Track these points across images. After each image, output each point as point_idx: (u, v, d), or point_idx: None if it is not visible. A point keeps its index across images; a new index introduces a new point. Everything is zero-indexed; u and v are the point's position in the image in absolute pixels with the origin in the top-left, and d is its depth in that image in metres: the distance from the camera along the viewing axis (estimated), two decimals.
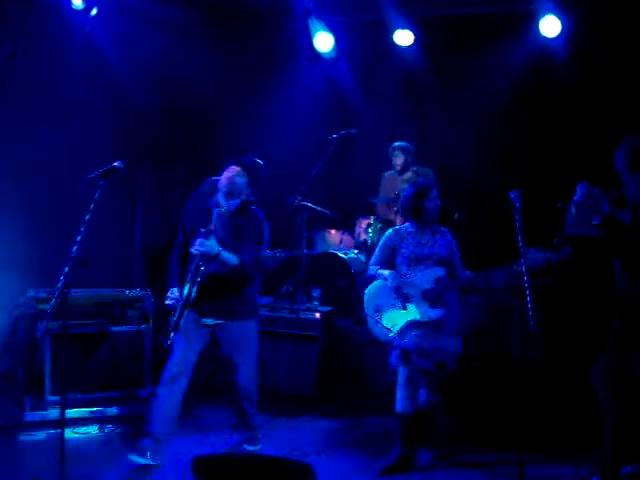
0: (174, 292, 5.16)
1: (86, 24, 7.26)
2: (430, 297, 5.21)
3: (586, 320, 5.80)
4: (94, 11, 7.21)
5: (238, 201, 5.18)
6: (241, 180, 5.17)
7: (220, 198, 5.21)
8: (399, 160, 7.66)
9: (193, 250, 4.93)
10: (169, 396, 5.13)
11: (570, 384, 5.68)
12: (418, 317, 5.20)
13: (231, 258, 4.99)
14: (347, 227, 8.01)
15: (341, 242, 7.96)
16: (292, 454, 5.32)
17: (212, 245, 4.91)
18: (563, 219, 6.13)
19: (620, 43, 7.35)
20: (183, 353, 5.15)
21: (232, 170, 5.18)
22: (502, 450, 5.42)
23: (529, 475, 4.37)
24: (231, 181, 5.15)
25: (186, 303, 5.00)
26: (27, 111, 6.89)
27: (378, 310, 5.35)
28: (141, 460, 5.03)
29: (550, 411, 5.75)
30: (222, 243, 5.01)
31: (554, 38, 7.54)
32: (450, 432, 5.75)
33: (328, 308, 6.89)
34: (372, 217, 7.69)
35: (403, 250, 5.33)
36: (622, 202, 4.64)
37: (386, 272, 5.35)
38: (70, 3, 7.07)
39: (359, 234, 7.76)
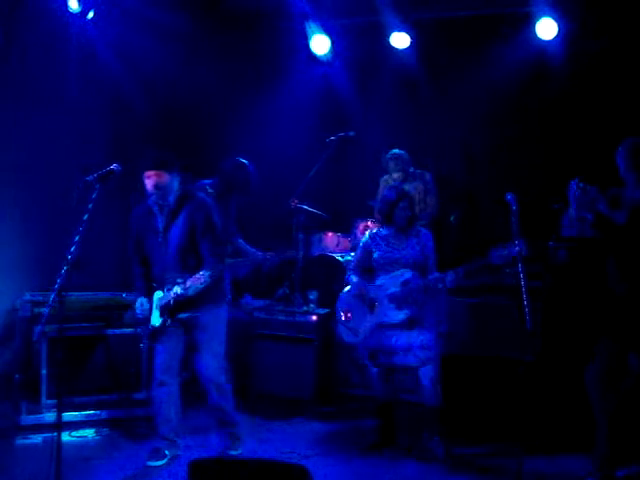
0: (144, 304, 5.17)
1: (82, 27, 7.25)
2: (396, 300, 5.38)
3: (582, 321, 5.80)
4: (90, 14, 7.21)
5: (176, 193, 5.10)
6: (161, 179, 5.01)
7: (158, 200, 5.12)
8: (397, 174, 7.48)
9: (170, 301, 4.93)
10: (165, 396, 5.22)
11: (567, 385, 5.68)
12: (384, 319, 5.41)
13: (203, 283, 4.90)
14: (344, 230, 8.00)
15: (338, 245, 7.95)
16: (288, 457, 5.32)
17: (192, 290, 4.88)
18: (559, 220, 6.16)
19: (616, 46, 7.36)
20: (166, 355, 5.20)
21: (149, 176, 5.03)
22: (499, 450, 5.47)
23: (526, 474, 4.40)
24: (156, 186, 5.02)
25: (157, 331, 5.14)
26: (23, 113, 6.88)
27: (347, 315, 5.61)
28: (160, 462, 5.14)
29: (547, 411, 5.75)
30: (181, 251, 5.03)
31: (550, 41, 7.55)
32: (448, 431, 5.76)
33: (324, 311, 6.88)
34: (370, 219, 7.67)
35: (374, 254, 5.55)
36: (618, 202, 4.65)
37: (354, 279, 5.60)
38: (66, 6, 7.07)
39: (356, 236, 7.74)
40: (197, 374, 5.21)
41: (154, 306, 5.13)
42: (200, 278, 4.83)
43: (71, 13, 7.15)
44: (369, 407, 5.94)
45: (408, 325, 5.36)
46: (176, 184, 5.09)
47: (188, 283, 4.83)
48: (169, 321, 5.03)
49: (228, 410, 5.30)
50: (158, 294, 5.12)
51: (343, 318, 5.63)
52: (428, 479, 5.13)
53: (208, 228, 5.04)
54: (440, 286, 5.30)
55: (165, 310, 5.02)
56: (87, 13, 7.23)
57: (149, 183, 5.02)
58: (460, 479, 5.12)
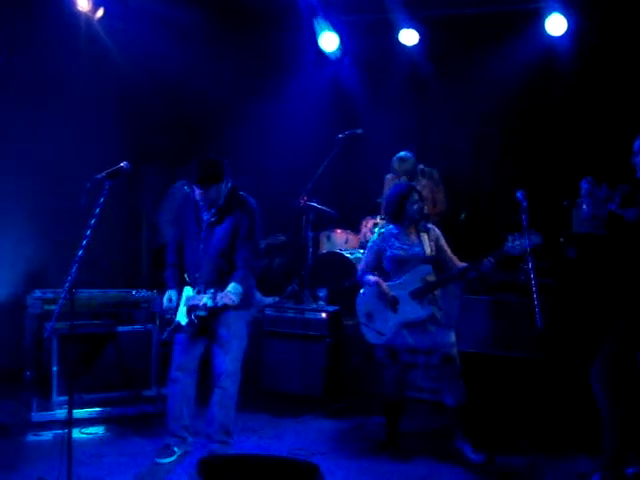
0: (172, 299, 5.13)
1: (91, 25, 7.28)
2: (419, 296, 5.33)
3: (591, 318, 5.79)
4: (100, 12, 7.23)
5: (225, 191, 5.05)
6: (210, 193, 4.97)
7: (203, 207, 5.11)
8: (405, 174, 7.45)
9: (198, 305, 4.86)
10: (178, 393, 5.22)
11: (576, 383, 5.68)
12: (409, 317, 5.33)
13: (233, 302, 4.85)
14: (353, 227, 8.00)
15: (347, 242, 7.95)
16: (298, 454, 5.33)
17: (221, 304, 4.82)
18: (569, 217, 6.15)
19: (626, 42, 7.34)
20: (183, 353, 5.20)
21: (201, 192, 4.97)
22: (507, 447, 5.49)
23: (535, 470, 4.39)
24: (204, 199, 4.99)
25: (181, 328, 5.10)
26: (32, 112, 6.91)
27: (370, 316, 5.52)
28: (169, 459, 5.14)
29: (555, 410, 5.76)
30: (221, 254, 4.99)
31: (560, 37, 7.53)
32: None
33: (334, 308, 6.88)
34: (378, 217, 7.66)
35: (388, 253, 5.46)
36: (632, 199, 4.61)
37: (372, 279, 5.48)
38: (75, 4, 7.09)
39: (365, 234, 7.74)
40: (211, 373, 5.17)
41: (182, 302, 5.10)
42: (232, 297, 4.79)
43: (80, 12, 7.18)
44: (379, 405, 5.94)
45: (432, 321, 5.32)
46: (224, 187, 5.04)
47: (218, 298, 4.79)
48: (196, 321, 4.99)
49: (218, 423, 5.15)
50: (188, 291, 5.10)
51: (365, 319, 5.54)
52: (436, 476, 5.12)
53: (250, 236, 5.01)
54: (471, 275, 5.31)
55: (192, 312, 4.99)
56: (96, 11, 7.26)
57: (198, 193, 4.99)
58: (468, 478, 5.11)
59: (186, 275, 5.17)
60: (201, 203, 5.06)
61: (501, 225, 5.72)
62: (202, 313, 4.92)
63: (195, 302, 4.94)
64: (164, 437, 5.30)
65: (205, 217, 5.09)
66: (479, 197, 8.20)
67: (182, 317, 5.09)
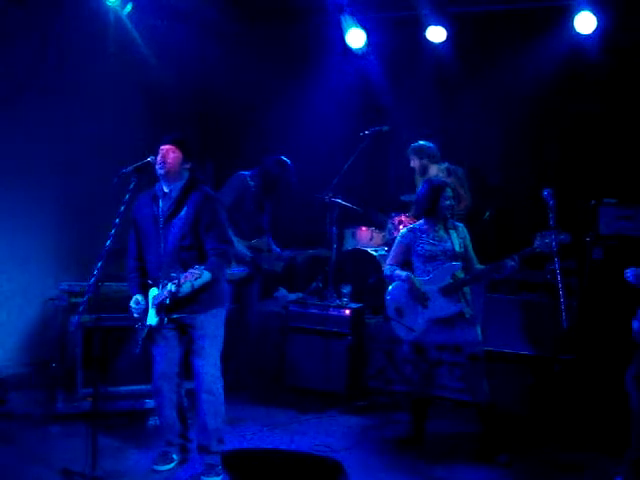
0: (140, 302, 4.86)
1: (120, 20, 7.32)
2: (449, 292, 5.32)
3: (621, 321, 5.73)
4: (129, 7, 7.27)
5: (182, 182, 4.83)
6: (174, 155, 4.76)
7: (163, 185, 4.86)
8: (415, 163, 7.42)
9: (165, 299, 4.63)
10: (165, 402, 5.02)
11: (601, 384, 5.64)
12: (439, 314, 5.32)
13: (198, 279, 4.54)
14: (377, 224, 7.97)
15: (371, 239, 7.93)
16: (321, 450, 5.32)
17: (186, 286, 4.55)
18: (596, 217, 6.09)
19: None
20: (162, 362, 4.97)
21: (162, 149, 4.78)
22: (531, 447, 5.48)
23: (558, 469, 4.34)
24: (164, 159, 4.75)
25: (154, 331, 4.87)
26: (61, 106, 6.97)
27: (400, 311, 5.50)
28: (168, 466, 4.99)
29: (579, 410, 5.73)
30: (181, 245, 4.74)
31: (589, 35, 7.45)
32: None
33: (358, 305, 6.88)
34: (404, 214, 7.62)
35: (418, 248, 5.45)
36: None
37: (403, 274, 5.46)
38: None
39: (390, 231, 7.71)
40: (193, 379, 4.92)
41: (150, 304, 4.82)
42: (194, 274, 4.47)
43: (109, 7, 7.22)
44: (401, 401, 5.93)
45: (460, 318, 5.31)
46: (185, 172, 4.84)
47: (182, 279, 4.49)
48: (166, 320, 4.74)
49: (211, 431, 4.88)
50: (153, 292, 4.82)
51: (395, 314, 5.53)
52: (459, 475, 5.11)
53: (214, 223, 4.76)
54: (497, 275, 5.35)
55: (161, 309, 4.73)
56: (125, 6, 7.30)
57: (159, 157, 4.76)
58: (492, 476, 5.09)
59: (149, 280, 4.89)
60: (159, 186, 4.85)
61: (527, 224, 5.69)
62: (166, 301, 4.65)
63: (162, 296, 4.67)
64: (162, 446, 5.11)
65: (162, 210, 4.82)
66: (505, 195, 8.14)
67: (152, 319, 4.80)
